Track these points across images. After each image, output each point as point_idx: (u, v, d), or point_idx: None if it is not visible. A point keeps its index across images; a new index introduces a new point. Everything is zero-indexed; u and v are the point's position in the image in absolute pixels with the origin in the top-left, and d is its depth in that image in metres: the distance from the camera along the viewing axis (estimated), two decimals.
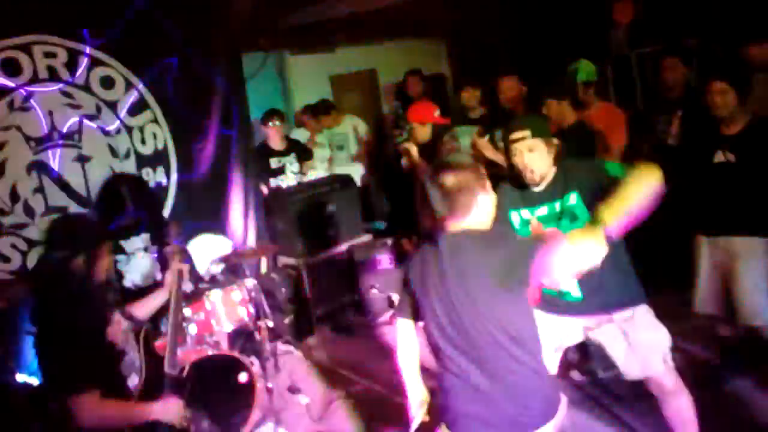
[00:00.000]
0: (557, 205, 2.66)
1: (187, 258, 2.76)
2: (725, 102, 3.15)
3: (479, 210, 2.09)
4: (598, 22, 6.19)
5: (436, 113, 4.56)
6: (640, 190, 2.15)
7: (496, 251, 2.00)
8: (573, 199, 2.61)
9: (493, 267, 1.97)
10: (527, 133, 2.62)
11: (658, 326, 2.68)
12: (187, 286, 2.89)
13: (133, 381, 2.47)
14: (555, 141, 2.66)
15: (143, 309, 2.78)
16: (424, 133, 4.53)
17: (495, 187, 2.27)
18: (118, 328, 2.47)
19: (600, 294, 2.63)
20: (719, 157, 3.24)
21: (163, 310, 2.88)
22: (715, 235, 3.34)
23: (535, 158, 2.63)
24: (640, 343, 2.65)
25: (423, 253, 2.20)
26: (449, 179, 2.06)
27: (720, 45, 5.30)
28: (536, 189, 2.71)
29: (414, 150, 4.45)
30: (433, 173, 2.11)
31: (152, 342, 2.60)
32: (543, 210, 2.70)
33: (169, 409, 2.43)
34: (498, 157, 3.89)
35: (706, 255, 3.38)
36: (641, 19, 6.01)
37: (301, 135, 6.47)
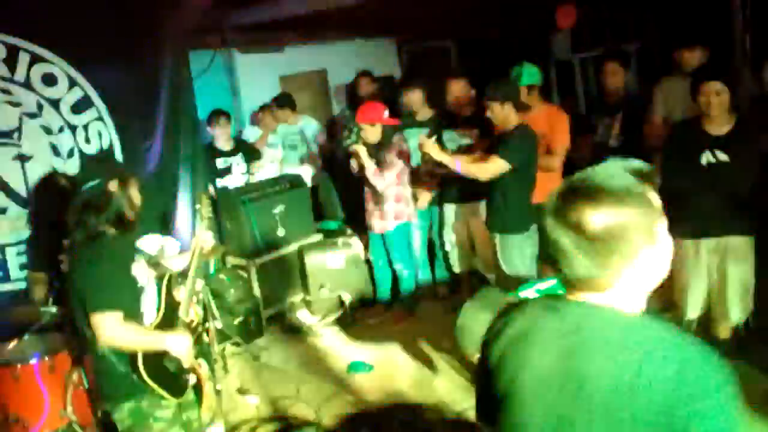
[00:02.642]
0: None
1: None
2: (720, 102, 3.16)
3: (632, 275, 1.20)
4: (541, 27, 6.36)
5: (385, 114, 4.59)
6: None
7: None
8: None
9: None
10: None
11: None
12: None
13: (149, 318, 2.61)
14: None
15: (172, 263, 3.04)
16: (373, 134, 4.56)
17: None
18: (143, 266, 2.65)
19: None
20: (708, 157, 3.24)
21: None
22: (704, 237, 3.32)
23: None
24: None
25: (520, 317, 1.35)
26: (598, 218, 1.16)
27: (656, 49, 5.52)
28: None
29: (363, 151, 4.50)
30: (562, 202, 1.21)
31: (173, 287, 2.78)
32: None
33: (180, 342, 2.58)
34: (445, 158, 3.95)
35: (694, 258, 3.37)
36: (583, 24, 6.20)
37: (253, 134, 6.43)
